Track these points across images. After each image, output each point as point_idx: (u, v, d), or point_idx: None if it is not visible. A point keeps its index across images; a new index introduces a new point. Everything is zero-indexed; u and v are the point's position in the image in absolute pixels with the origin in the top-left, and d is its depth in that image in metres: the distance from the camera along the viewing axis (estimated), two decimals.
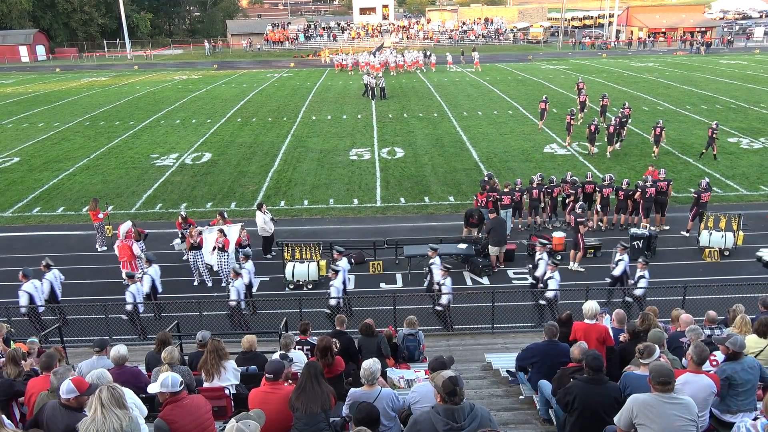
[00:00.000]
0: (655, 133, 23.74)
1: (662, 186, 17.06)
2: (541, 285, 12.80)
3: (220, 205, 20.29)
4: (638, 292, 12.52)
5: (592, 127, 23.81)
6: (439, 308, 12.46)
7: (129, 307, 12.35)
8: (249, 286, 13.23)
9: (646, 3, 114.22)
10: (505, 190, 17.26)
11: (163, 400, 5.43)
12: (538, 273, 13.13)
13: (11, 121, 35.19)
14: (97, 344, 7.45)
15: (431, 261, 13.30)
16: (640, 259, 12.88)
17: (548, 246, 13.94)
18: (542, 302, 12.56)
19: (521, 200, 17.44)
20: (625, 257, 13.14)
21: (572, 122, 25.98)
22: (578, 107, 31.34)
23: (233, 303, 12.34)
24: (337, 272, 12.58)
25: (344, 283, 13.00)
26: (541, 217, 17.94)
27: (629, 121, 26.89)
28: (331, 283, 12.55)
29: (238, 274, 12.62)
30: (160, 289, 13.49)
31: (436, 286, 12.73)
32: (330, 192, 21.52)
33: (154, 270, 13.52)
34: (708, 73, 47.94)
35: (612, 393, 6.02)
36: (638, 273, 12.63)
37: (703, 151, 23.84)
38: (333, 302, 12.37)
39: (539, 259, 13.26)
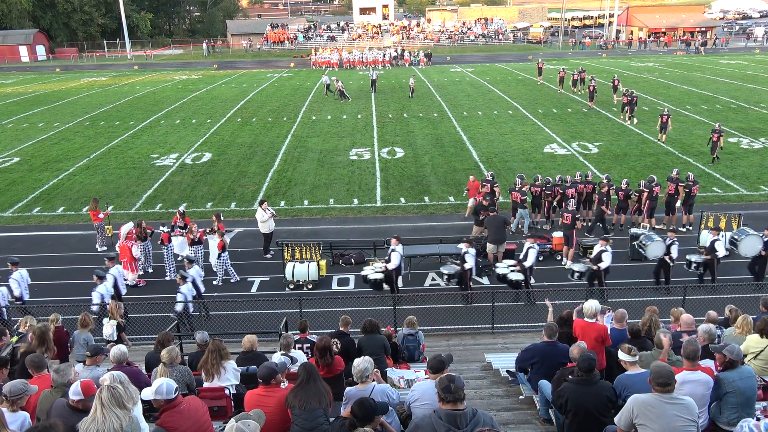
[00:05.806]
0: (713, 140, 22.67)
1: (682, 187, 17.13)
2: None
3: (220, 205, 20.29)
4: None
5: (624, 99, 30.38)
6: None
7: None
8: (118, 295, 12.77)
9: (646, 3, 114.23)
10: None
11: (158, 407, 5.38)
12: None
13: (11, 121, 35.17)
14: (91, 351, 7.13)
15: None
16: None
17: None
18: None
19: (520, 200, 17.42)
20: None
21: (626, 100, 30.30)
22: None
23: (95, 308, 12.07)
24: (185, 278, 12.37)
25: (197, 288, 12.79)
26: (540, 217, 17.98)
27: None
28: (179, 288, 12.29)
29: (101, 278, 12.30)
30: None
31: None
32: (330, 192, 21.51)
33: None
34: (708, 73, 47.93)
35: (604, 392, 6.00)
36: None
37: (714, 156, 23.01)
38: (179, 307, 12.07)
39: None
